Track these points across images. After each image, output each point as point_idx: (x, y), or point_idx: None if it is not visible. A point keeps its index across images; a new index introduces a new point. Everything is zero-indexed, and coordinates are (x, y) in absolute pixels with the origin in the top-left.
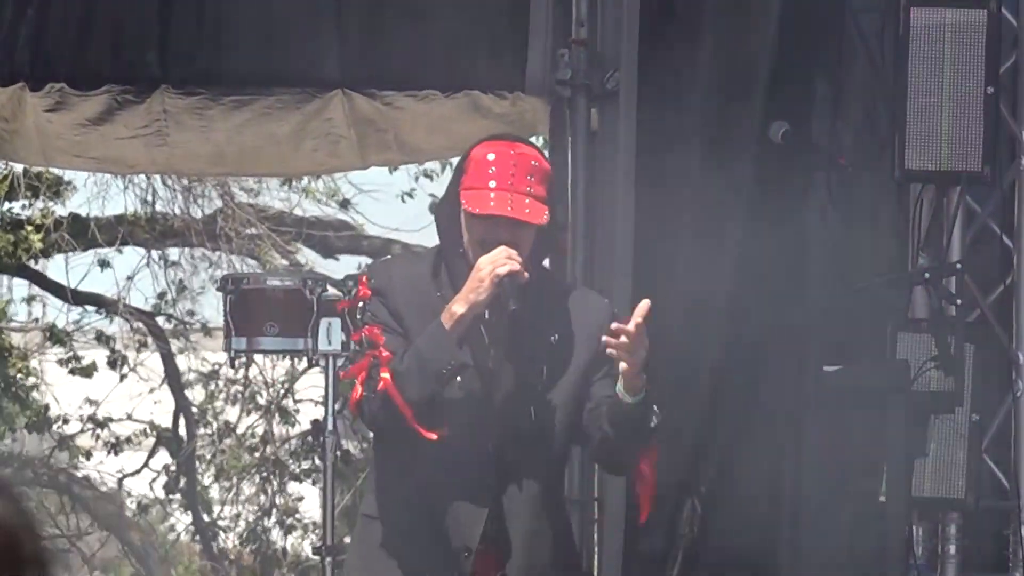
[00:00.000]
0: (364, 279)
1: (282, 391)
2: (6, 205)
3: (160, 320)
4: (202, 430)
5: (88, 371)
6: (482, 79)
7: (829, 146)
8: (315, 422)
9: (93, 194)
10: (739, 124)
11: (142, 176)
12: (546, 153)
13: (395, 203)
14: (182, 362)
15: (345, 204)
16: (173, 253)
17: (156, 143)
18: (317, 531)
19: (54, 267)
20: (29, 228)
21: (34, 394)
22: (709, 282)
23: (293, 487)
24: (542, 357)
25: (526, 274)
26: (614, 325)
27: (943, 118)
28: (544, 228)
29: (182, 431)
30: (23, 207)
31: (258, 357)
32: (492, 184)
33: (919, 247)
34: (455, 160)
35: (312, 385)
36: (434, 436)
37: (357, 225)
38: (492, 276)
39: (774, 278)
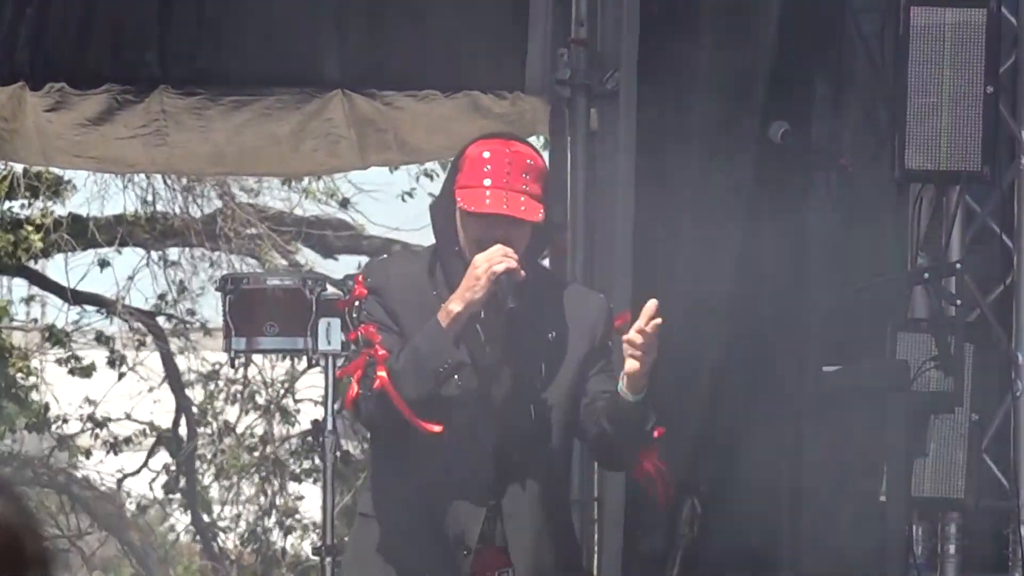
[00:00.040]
0: (360, 278)
1: (282, 391)
2: (6, 205)
3: (160, 320)
4: (201, 430)
5: (88, 371)
6: (482, 79)
7: (829, 146)
8: (315, 422)
9: (93, 194)
10: (739, 124)
11: (142, 176)
12: (541, 151)
13: (395, 203)
14: (182, 362)
15: (345, 204)
16: (173, 253)
17: (156, 143)
18: (317, 531)
19: (54, 267)
20: (29, 228)
21: (33, 394)
22: (709, 282)
23: (293, 487)
24: (540, 354)
25: (522, 272)
26: (636, 325)
27: (943, 118)
28: (539, 226)
29: (182, 431)
30: (23, 207)
31: (258, 357)
32: (487, 182)
33: (919, 247)
34: None
35: (312, 385)
36: (437, 428)
37: (357, 225)
38: (488, 274)
39: (774, 278)
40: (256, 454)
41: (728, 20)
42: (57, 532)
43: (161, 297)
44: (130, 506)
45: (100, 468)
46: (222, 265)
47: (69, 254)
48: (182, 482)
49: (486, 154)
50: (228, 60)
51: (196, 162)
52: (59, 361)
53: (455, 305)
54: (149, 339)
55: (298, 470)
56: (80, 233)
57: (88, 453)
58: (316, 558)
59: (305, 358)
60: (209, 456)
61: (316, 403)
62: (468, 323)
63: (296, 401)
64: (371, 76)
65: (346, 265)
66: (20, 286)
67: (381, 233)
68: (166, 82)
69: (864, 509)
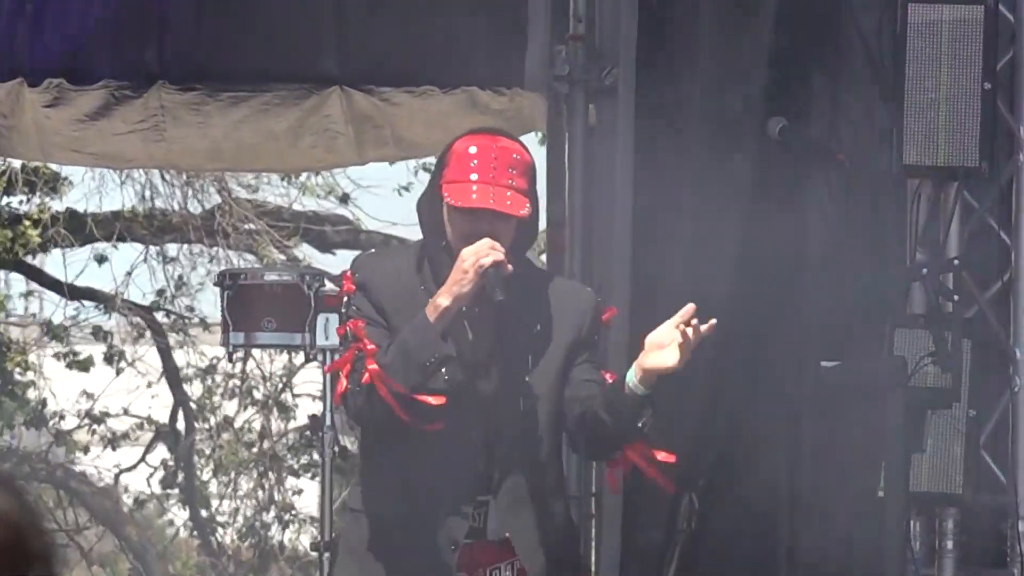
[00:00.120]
0: (349, 274)
1: (280, 386)
2: (4, 200)
3: (158, 315)
4: (199, 425)
5: (85, 364)
6: (480, 75)
7: (827, 142)
8: (312, 417)
9: (90, 189)
10: (737, 120)
11: (140, 172)
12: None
13: (393, 197)
14: (180, 357)
15: (345, 199)
16: (171, 249)
17: (153, 138)
18: (316, 524)
19: (51, 262)
20: (27, 223)
21: (31, 391)
22: (707, 278)
23: (291, 482)
24: (527, 347)
25: (509, 266)
26: (693, 322)
27: (941, 114)
28: (526, 220)
29: (180, 426)
30: (21, 202)
31: (256, 352)
32: (474, 177)
33: (917, 243)
34: None
35: (310, 380)
36: (426, 423)
37: (355, 220)
38: (476, 267)
39: (772, 273)
40: (254, 449)
41: (726, 17)
42: (55, 527)
43: (159, 293)
44: (128, 501)
45: (98, 463)
46: (220, 260)
47: (67, 250)
48: (180, 477)
49: (472, 149)
50: (226, 56)
51: (194, 158)
52: (57, 356)
53: (443, 299)
54: (147, 334)
55: (296, 465)
56: (78, 229)
57: (86, 448)
58: (314, 553)
59: (303, 353)
60: (207, 451)
61: (314, 398)
62: (456, 317)
63: (294, 396)
64: (369, 72)
65: (344, 260)
66: (17, 281)
67: (380, 228)
68: (164, 78)
69: (862, 505)
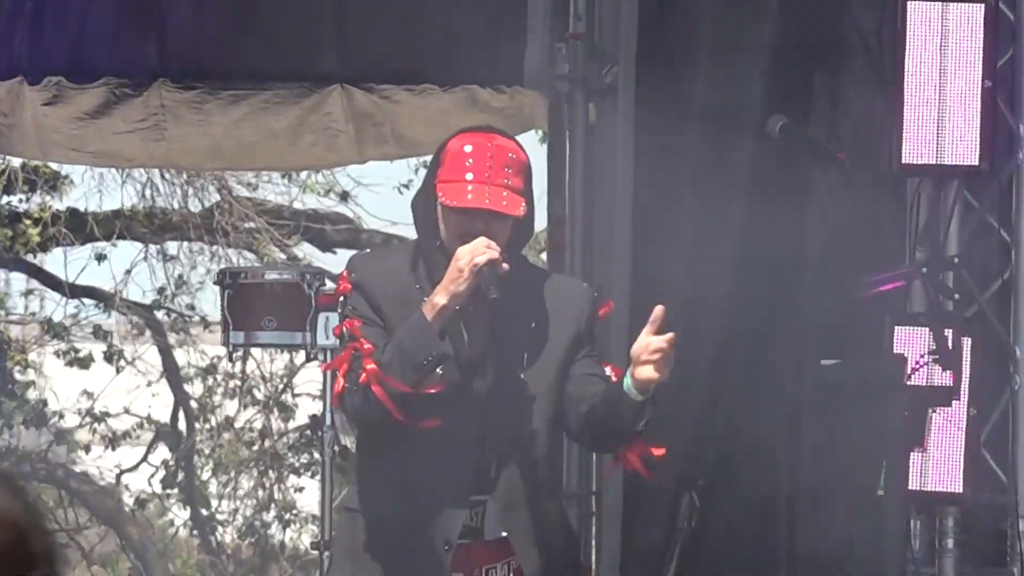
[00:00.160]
0: (344, 274)
1: (280, 385)
2: (4, 199)
3: (158, 314)
4: (199, 425)
5: (86, 362)
6: (480, 73)
7: (827, 140)
8: (313, 416)
9: (91, 188)
10: (737, 118)
11: (140, 171)
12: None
13: (393, 195)
14: (181, 356)
15: (345, 197)
16: (171, 247)
17: (153, 137)
18: (316, 523)
19: (52, 261)
20: (27, 222)
21: (31, 390)
22: (707, 277)
23: (292, 480)
24: (523, 345)
25: (505, 265)
26: (648, 331)
27: (941, 112)
28: (521, 220)
29: (181, 425)
30: (21, 201)
31: (256, 351)
32: (469, 176)
33: (917, 241)
34: None
35: (310, 379)
36: (422, 421)
37: (355, 219)
38: (471, 265)
39: (772, 272)
40: (255, 448)
41: (727, 14)
42: (55, 527)
43: (160, 291)
44: (129, 501)
45: (99, 463)
46: (220, 259)
47: (68, 248)
48: (180, 476)
49: (468, 148)
50: (226, 54)
51: (194, 156)
52: (57, 353)
53: (440, 298)
54: (147, 333)
55: (296, 464)
56: (78, 228)
57: (87, 448)
58: (315, 552)
59: (303, 352)
60: (207, 451)
61: (314, 398)
62: (451, 316)
63: (294, 396)
64: (369, 70)
65: (344, 259)
66: (18, 280)
67: (380, 226)
68: (164, 76)
69: (862, 503)
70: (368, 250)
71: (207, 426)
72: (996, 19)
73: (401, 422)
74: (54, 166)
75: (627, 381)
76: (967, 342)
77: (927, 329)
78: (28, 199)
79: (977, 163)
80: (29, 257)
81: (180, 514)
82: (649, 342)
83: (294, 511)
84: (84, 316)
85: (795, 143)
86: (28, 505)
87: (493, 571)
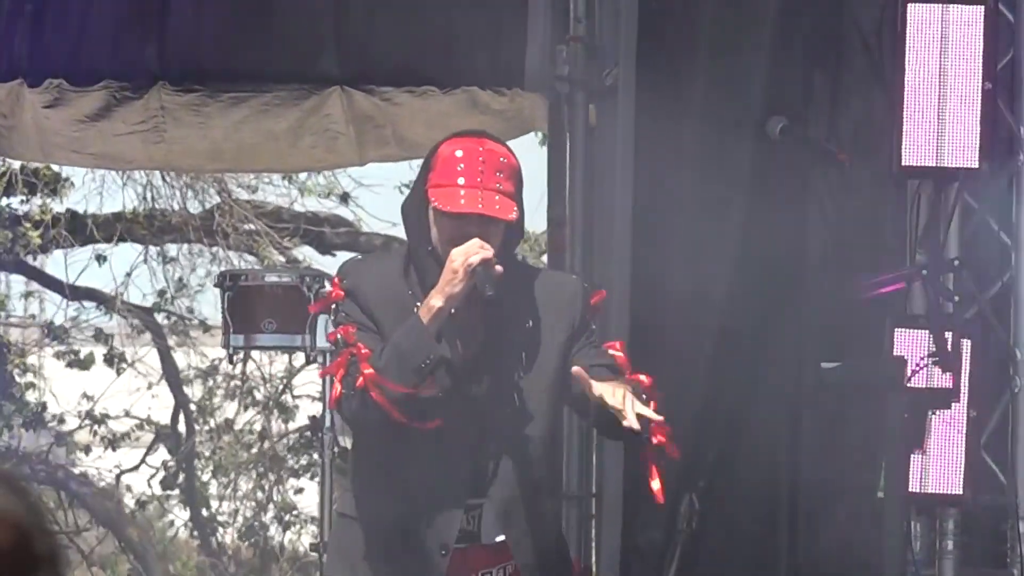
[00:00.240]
0: (336, 280)
1: (280, 387)
2: (4, 201)
3: (158, 317)
4: (199, 427)
5: (86, 363)
6: (480, 75)
7: (827, 142)
8: (312, 418)
9: (91, 190)
10: (737, 120)
11: (140, 173)
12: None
13: (395, 195)
14: (181, 359)
15: (345, 198)
16: (171, 249)
17: (154, 140)
18: (316, 524)
19: (52, 263)
20: (27, 224)
21: (31, 392)
22: (707, 278)
23: (291, 481)
24: (520, 344)
25: (499, 267)
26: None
27: (941, 114)
28: (512, 224)
29: (180, 427)
30: (21, 203)
31: (256, 352)
32: (461, 181)
33: (917, 243)
34: None
35: (310, 381)
36: (421, 423)
37: (355, 221)
38: (466, 266)
39: (772, 273)
40: (254, 450)
41: (727, 16)
42: (55, 529)
43: (160, 294)
44: (129, 502)
45: (98, 464)
46: (220, 261)
47: (68, 250)
48: (180, 478)
49: (459, 153)
50: (226, 57)
51: (194, 159)
52: (57, 355)
53: (436, 300)
54: (147, 335)
55: (296, 466)
56: (79, 230)
57: (87, 449)
58: (314, 554)
59: (303, 354)
60: (207, 452)
61: (314, 399)
62: (448, 318)
63: (294, 397)
64: (369, 72)
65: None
66: (18, 283)
67: (380, 227)
68: (164, 79)
69: (862, 505)
70: (359, 255)
71: (207, 428)
72: (996, 21)
73: (403, 423)
74: (54, 168)
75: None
76: (967, 344)
77: (927, 331)
78: (28, 201)
79: (977, 165)
80: (29, 259)
81: (180, 515)
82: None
83: (294, 512)
84: (85, 319)
85: (795, 144)
86: (31, 506)
87: (490, 575)
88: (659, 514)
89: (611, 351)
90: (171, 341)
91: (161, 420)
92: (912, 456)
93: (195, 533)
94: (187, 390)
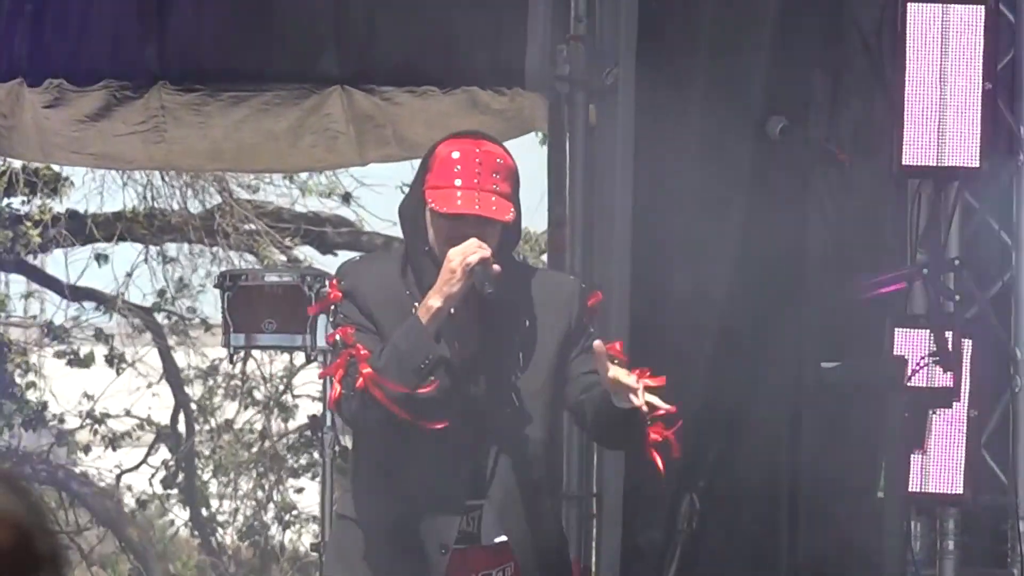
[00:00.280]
0: (335, 282)
1: (280, 387)
2: (4, 201)
3: (159, 317)
4: (199, 426)
5: (86, 362)
6: (481, 75)
7: (827, 141)
8: (312, 417)
9: (91, 190)
10: (737, 119)
11: (140, 173)
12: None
13: (396, 194)
14: (181, 358)
15: (347, 198)
16: (171, 249)
17: (154, 139)
18: (316, 523)
19: (52, 263)
20: (28, 224)
21: (31, 392)
22: (707, 277)
23: (292, 481)
24: (517, 344)
25: (496, 266)
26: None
27: (941, 114)
28: (509, 225)
29: (181, 427)
30: (22, 203)
31: (256, 352)
32: (458, 183)
33: (917, 243)
34: None
35: (310, 381)
36: (424, 423)
37: (356, 220)
38: (464, 265)
39: (772, 273)
40: (254, 450)
41: (727, 15)
42: (56, 528)
43: (160, 294)
44: (129, 502)
45: (99, 464)
46: (221, 261)
47: (68, 250)
48: (180, 477)
49: (455, 154)
50: (226, 56)
51: (194, 158)
52: (58, 354)
53: (434, 300)
54: (147, 335)
55: (296, 466)
56: (79, 230)
57: (87, 448)
58: (315, 553)
59: (303, 354)
60: (208, 452)
61: (314, 399)
62: (446, 319)
63: (294, 397)
64: (369, 72)
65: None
66: (17, 283)
67: (382, 226)
68: (164, 78)
69: (862, 505)
70: (357, 256)
71: (207, 427)
72: (996, 20)
73: (408, 421)
74: (55, 168)
75: (613, 398)
76: (967, 344)
77: (927, 330)
78: (28, 201)
79: (977, 164)
80: (30, 259)
81: (180, 515)
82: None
83: (294, 512)
84: (85, 319)
85: (795, 144)
86: (32, 506)
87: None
88: (659, 514)
89: (610, 352)
90: (171, 341)
91: (161, 420)
92: (912, 456)
93: (195, 533)
94: (187, 389)
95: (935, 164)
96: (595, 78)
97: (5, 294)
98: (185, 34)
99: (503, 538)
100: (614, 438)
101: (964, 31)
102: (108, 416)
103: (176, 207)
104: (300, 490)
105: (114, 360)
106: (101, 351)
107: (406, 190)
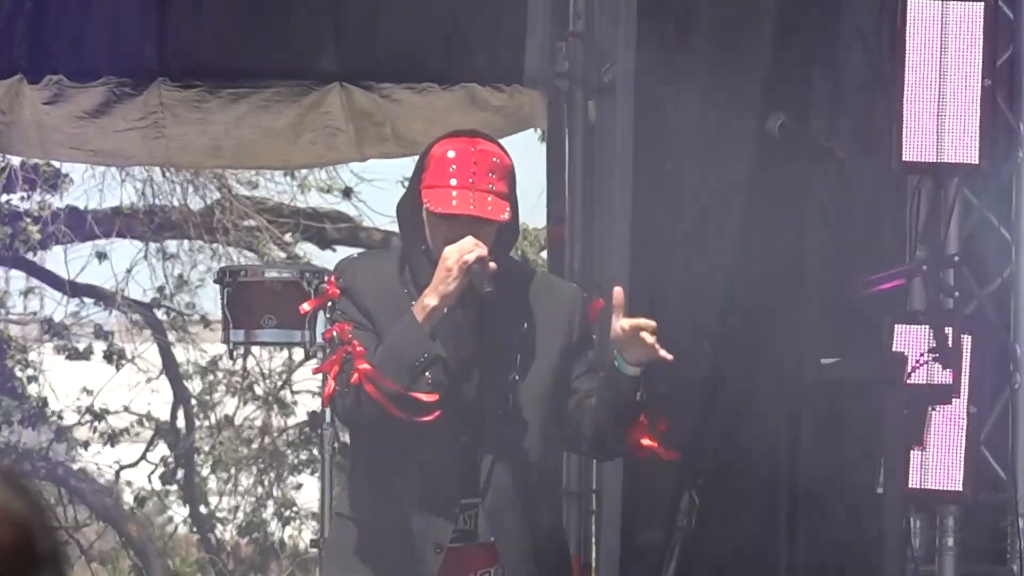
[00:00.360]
0: (332, 279)
1: (279, 382)
2: (4, 197)
3: (158, 312)
4: (199, 422)
5: (85, 354)
6: (480, 71)
7: (827, 138)
8: (312, 414)
9: (91, 186)
10: (737, 116)
11: (140, 169)
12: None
13: (396, 190)
14: (181, 354)
15: (348, 193)
16: (171, 245)
17: (153, 136)
18: (316, 520)
19: (52, 259)
20: (27, 220)
21: (31, 388)
22: (707, 276)
23: (291, 477)
24: (514, 346)
25: (493, 264)
26: (631, 324)
27: (941, 110)
28: (505, 224)
29: (180, 423)
30: (21, 199)
31: (255, 348)
32: (453, 182)
33: (917, 239)
34: None
35: (309, 377)
36: (420, 417)
37: (356, 216)
38: (460, 264)
39: (771, 270)
40: (254, 446)
41: (726, 13)
42: (55, 524)
43: (159, 290)
44: (128, 498)
45: (98, 460)
46: (220, 257)
47: (68, 246)
48: (179, 474)
49: (451, 153)
50: (226, 53)
51: (194, 155)
52: (57, 349)
53: (431, 299)
54: (147, 331)
55: (296, 462)
56: (78, 225)
57: (86, 444)
58: (314, 550)
59: (302, 350)
60: (207, 448)
61: (313, 395)
62: (442, 318)
63: (294, 393)
64: (369, 69)
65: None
66: (18, 278)
67: (381, 222)
68: (164, 75)
69: (861, 502)
70: (355, 253)
71: (207, 423)
72: (996, 17)
73: (399, 418)
74: (54, 164)
75: (619, 362)
76: (967, 340)
77: (927, 327)
78: (28, 197)
79: (977, 161)
80: (29, 255)
81: (180, 511)
82: (637, 324)
83: (294, 508)
84: (85, 315)
85: (795, 141)
86: (33, 504)
87: (487, 575)
88: (659, 512)
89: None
90: (171, 337)
91: (161, 416)
92: (912, 452)
93: (195, 529)
94: (187, 385)
95: (935, 160)
96: (594, 75)
97: (5, 290)
98: (185, 31)
99: (499, 536)
100: (609, 455)
101: (963, 28)
102: (107, 412)
103: (176, 203)
104: (299, 486)
105: (113, 356)
106: (100, 347)
107: (406, 185)
